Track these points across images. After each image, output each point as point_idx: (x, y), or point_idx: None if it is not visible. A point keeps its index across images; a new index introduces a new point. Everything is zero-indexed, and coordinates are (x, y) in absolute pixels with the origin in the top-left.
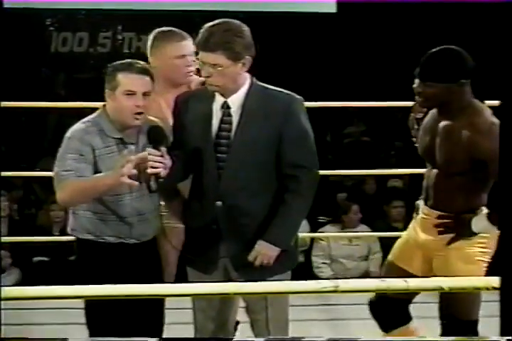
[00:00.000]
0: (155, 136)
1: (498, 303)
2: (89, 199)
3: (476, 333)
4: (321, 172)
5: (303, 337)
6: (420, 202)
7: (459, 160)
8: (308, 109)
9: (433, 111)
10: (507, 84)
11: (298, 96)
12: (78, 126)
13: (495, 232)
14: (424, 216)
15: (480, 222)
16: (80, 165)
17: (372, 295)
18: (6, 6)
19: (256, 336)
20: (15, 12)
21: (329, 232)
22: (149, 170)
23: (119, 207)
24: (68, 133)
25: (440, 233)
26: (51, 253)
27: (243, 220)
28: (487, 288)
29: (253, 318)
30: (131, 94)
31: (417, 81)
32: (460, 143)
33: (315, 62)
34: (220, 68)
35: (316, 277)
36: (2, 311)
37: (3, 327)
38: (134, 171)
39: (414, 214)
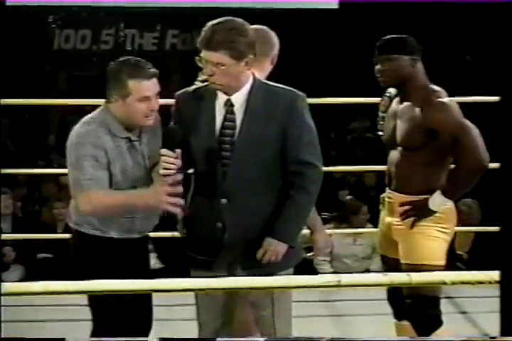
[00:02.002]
0: (171, 138)
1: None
2: (116, 213)
3: (438, 310)
4: (325, 168)
5: (308, 338)
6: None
7: (414, 133)
8: (312, 105)
9: (396, 99)
10: (507, 80)
11: (301, 93)
12: (84, 127)
13: (451, 211)
14: (388, 199)
15: (436, 199)
16: (98, 172)
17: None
18: (8, 3)
19: (261, 332)
20: (17, 9)
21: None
22: (161, 172)
23: None
24: (77, 138)
25: (403, 219)
26: (55, 250)
27: (248, 217)
28: (490, 282)
29: (259, 314)
30: (145, 99)
31: (376, 66)
32: (414, 116)
33: (318, 57)
34: (223, 67)
35: (318, 273)
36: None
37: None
38: (180, 189)
39: (381, 206)
